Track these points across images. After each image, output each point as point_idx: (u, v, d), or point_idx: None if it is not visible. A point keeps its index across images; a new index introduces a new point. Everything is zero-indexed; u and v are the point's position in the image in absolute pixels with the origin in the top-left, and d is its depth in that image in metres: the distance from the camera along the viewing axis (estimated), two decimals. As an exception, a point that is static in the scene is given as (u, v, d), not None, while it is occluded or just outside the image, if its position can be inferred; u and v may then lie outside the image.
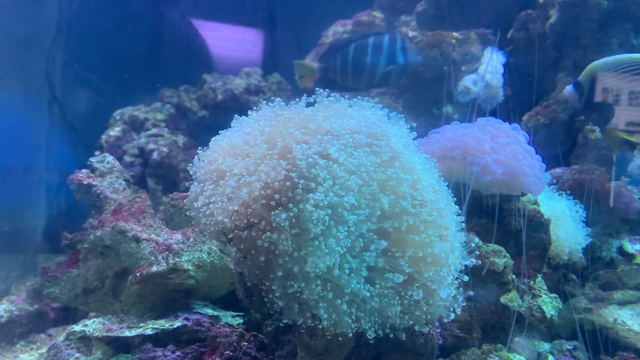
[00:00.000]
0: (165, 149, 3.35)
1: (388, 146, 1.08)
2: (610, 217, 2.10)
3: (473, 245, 1.30)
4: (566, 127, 2.67)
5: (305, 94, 1.21)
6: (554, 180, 2.17)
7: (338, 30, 3.85)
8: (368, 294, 0.98)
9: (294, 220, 0.99)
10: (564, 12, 2.55)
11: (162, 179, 3.35)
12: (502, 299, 1.35)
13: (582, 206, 1.92)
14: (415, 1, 3.53)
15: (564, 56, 2.69)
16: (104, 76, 4.04)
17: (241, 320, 1.71)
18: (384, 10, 3.96)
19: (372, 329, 1.03)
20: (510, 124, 1.50)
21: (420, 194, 1.05)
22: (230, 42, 4.97)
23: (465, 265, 1.20)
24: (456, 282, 1.11)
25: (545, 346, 1.71)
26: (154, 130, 3.53)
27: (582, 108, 1.59)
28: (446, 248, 1.05)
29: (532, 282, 1.44)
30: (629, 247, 2.03)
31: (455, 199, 1.22)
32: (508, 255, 1.36)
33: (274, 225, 1.00)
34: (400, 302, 1.02)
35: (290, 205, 1.00)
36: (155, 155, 3.33)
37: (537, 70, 2.95)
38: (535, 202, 1.49)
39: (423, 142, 1.47)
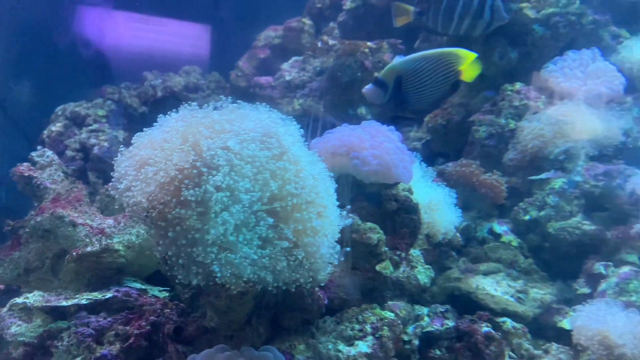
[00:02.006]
0: (106, 144, 3.46)
1: (278, 142, 1.31)
2: (484, 203, 2.42)
3: (353, 222, 1.56)
4: (459, 127, 2.98)
5: (226, 97, 1.42)
6: (442, 173, 2.48)
7: (270, 34, 4.06)
8: (256, 257, 1.22)
9: (199, 199, 1.21)
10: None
11: (102, 172, 3.45)
12: (377, 267, 1.61)
13: (455, 193, 2.22)
14: (340, 10, 3.77)
15: (460, 66, 3.00)
16: (45, 73, 4.08)
17: (167, 294, 1.91)
18: (312, 17, 4.19)
19: (266, 279, 1.26)
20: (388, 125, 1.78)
21: (302, 181, 1.30)
22: (172, 40, 5.06)
23: (350, 240, 1.46)
24: (333, 248, 1.36)
25: (424, 310, 2.00)
26: (95, 126, 3.62)
27: (386, 103, 1.89)
28: (322, 222, 1.30)
29: (403, 254, 1.71)
30: (497, 228, 2.36)
31: (338, 186, 1.48)
32: (381, 231, 1.62)
33: (182, 202, 1.21)
34: (286, 260, 1.26)
35: (196, 188, 1.22)
36: (96, 150, 3.43)
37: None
38: (409, 190, 1.76)
39: (319, 140, 1.71)
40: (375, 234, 1.60)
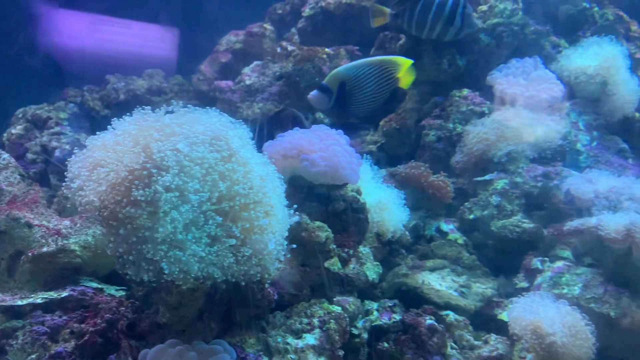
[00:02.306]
0: (67, 147, 3.42)
1: (227, 145, 1.36)
2: (432, 203, 2.52)
3: (301, 220, 1.63)
4: (412, 131, 3.08)
5: (181, 103, 1.46)
6: (393, 175, 2.56)
7: (231, 39, 4.09)
8: (204, 254, 1.26)
9: (149, 199, 1.25)
10: (409, 36, 2.96)
11: (64, 175, 3.40)
12: (326, 264, 1.68)
13: (405, 194, 2.30)
14: (300, 16, 3.83)
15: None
16: (4, 75, 4.02)
17: (124, 293, 1.93)
18: (273, 23, 4.24)
19: (214, 275, 1.30)
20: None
21: (250, 181, 1.35)
22: (136, 43, 5.03)
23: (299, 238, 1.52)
24: (281, 245, 1.41)
25: (374, 305, 2.08)
26: (57, 129, 3.57)
27: (331, 108, 2.00)
28: (269, 221, 1.35)
29: (351, 251, 1.78)
30: (444, 227, 2.46)
31: (289, 186, 1.54)
32: (329, 230, 1.69)
33: (133, 201, 1.25)
34: (234, 257, 1.31)
35: (146, 188, 1.26)
36: (57, 153, 3.39)
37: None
38: (357, 191, 1.83)
39: (272, 144, 1.77)
40: (324, 232, 1.67)
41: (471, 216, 2.47)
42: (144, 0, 4.94)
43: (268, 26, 4.17)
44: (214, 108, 1.47)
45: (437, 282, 2.13)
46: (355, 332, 1.96)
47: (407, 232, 2.36)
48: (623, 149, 2.85)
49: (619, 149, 2.85)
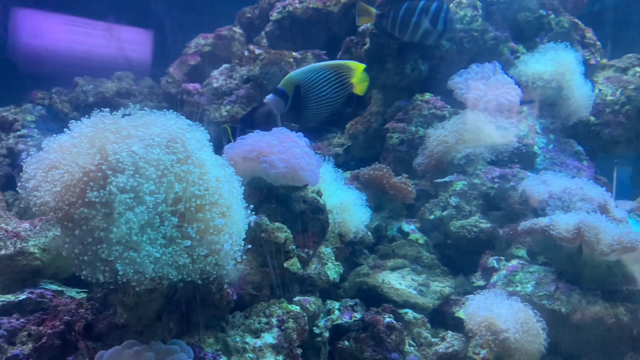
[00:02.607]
0: (34, 150, 3.35)
1: (183, 147, 1.36)
2: (395, 204, 2.55)
3: (260, 221, 1.63)
4: (377, 134, 3.12)
5: (122, 109, 1.45)
6: (357, 176, 2.59)
7: (200, 42, 4.07)
8: (159, 255, 1.26)
9: (103, 200, 1.24)
10: (373, 41, 2.99)
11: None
12: (285, 264, 1.69)
13: (367, 195, 2.33)
14: (269, 20, 3.83)
15: (376, 77, 3.14)
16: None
17: (84, 295, 1.90)
18: (243, 26, 4.24)
19: (169, 276, 1.30)
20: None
21: (206, 183, 1.35)
22: (106, 45, 4.96)
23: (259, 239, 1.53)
24: (238, 245, 1.42)
25: (336, 304, 2.10)
26: (24, 131, 3.50)
27: (287, 112, 2.01)
28: (225, 221, 1.36)
29: (311, 251, 1.79)
30: (406, 227, 2.50)
31: (250, 188, 1.55)
32: (289, 231, 1.70)
33: (87, 202, 1.24)
34: (190, 257, 1.31)
35: (101, 190, 1.25)
36: (24, 156, 3.31)
37: (359, 86, 3.39)
38: (317, 192, 1.85)
39: (232, 146, 1.77)
40: (283, 233, 1.68)
41: (431, 216, 2.51)
42: (116, 2, 4.88)
43: (237, 29, 4.16)
44: (171, 110, 1.47)
45: (397, 281, 2.16)
46: (317, 331, 1.99)
47: (369, 233, 2.39)
48: (578, 151, 2.94)
49: (574, 151, 2.93)
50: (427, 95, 2.93)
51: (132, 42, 5.09)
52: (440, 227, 2.50)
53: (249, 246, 1.48)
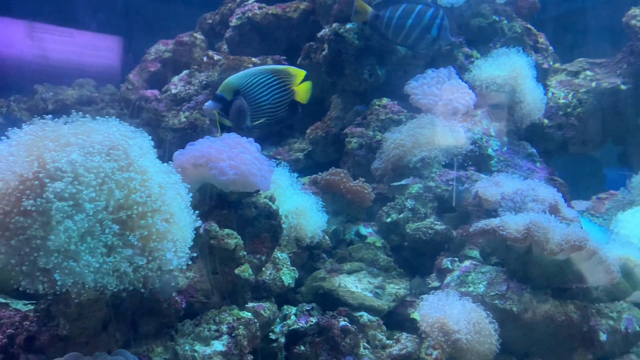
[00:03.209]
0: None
1: (125, 154, 1.33)
2: (352, 208, 2.56)
3: (210, 228, 1.61)
4: (337, 139, 3.12)
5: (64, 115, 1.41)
6: (314, 181, 2.58)
7: (160, 48, 4.02)
8: (98, 265, 1.22)
9: (40, 208, 1.20)
10: (331, 46, 3.00)
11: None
12: (236, 271, 1.66)
13: (326, 200, 2.33)
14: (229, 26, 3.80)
15: (335, 82, 3.15)
16: None
17: (32, 307, 1.84)
18: (204, 32, 4.20)
19: (111, 285, 1.27)
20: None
21: (148, 189, 1.33)
22: (68, 52, 4.85)
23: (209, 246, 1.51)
24: (183, 252, 1.39)
25: (293, 309, 2.08)
26: (-20, 138, 3.39)
27: (227, 118, 1.94)
28: (168, 228, 1.33)
29: (263, 257, 1.77)
30: (363, 230, 2.50)
31: (200, 194, 1.52)
32: (239, 237, 1.68)
33: (24, 211, 1.20)
34: (132, 266, 1.28)
35: (38, 198, 1.21)
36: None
37: (320, 92, 3.39)
38: (270, 197, 1.84)
39: (182, 152, 1.74)
40: (233, 239, 1.66)
41: (388, 220, 2.52)
42: (77, 9, 4.78)
43: (199, 35, 4.13)
44: (113, 117, 1.43)
45: (354, 285, 2.16)
46: (273, 336, 1.97)
47: (326, 237, 2.38)
48: (532, 153, 3.00)
49: (527, 153, 2.99)
50: (385, 100, 2.96)
51: (95, 48, 5.00)
52: (397, 229, 2.51)
53: (194, 254, 1.46)
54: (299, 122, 3.38)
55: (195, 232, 1.50)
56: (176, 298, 1.54)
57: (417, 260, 2.48)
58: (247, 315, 1.64)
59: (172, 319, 1.55)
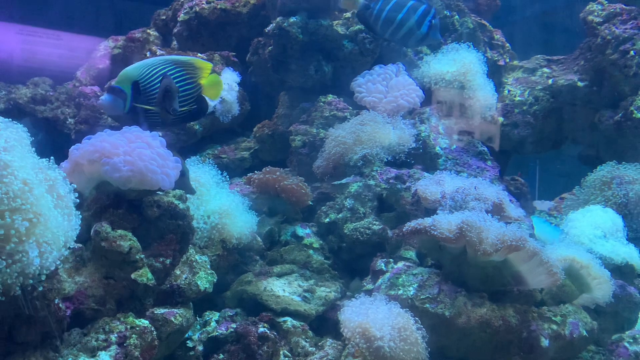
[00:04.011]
0: None
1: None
2: (289, 208, 2.42)
3: (100, 229, 1.47)
4: (284, 137, 2.99)
5: None
6: (249, 180, 2.45)
7: (109, 45, 3.84)
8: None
9: None
10: (276, 42, 2.87)
11: None
12: (133, 275, 1.52)
13: (259, 200, 2.19)
14: (178, 22, 3.64)
15: (282, 79, 3.02)
16: None
17: None
18: (158, 29, 4.04)
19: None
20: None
21: (6, 186, 1.18)
22: (24, 50, 4.68)
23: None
24: (53, 255, 1.24)
25: (216, 315, 1.94)
26: None
27: (127, 113, 1.73)
28: (29, 227, 1.19)
29: (168, 260, 1.63)
30: (300, 231, 2.37)
31: (97, 193, 1.38)
32: (134, 238, 1.54)
33: None
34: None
35: None
36: None
37: (270, 88, 3.27)
38: (179, 197, 1.69)
39: (78, 147, 1.59)
40: (126, 241, 1.51)
41: (326, 220, 2.39)
42: (31, 5, 4.60)
43: (152, 32, 3.96)
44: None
45: (282, 288, 2.02)
46: (190, 344, 1.83)
47: (258, 238, 2.24)
48: (482, 151, 2.88)
49: (478, 151, 2.87)
50: (330, 97, 2.83)
51: (50, 46, 4.83)
52: (336, 230, 2.38)
53: (66, 252, 1.31)
54: (250, 120, 3.25)
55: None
56: (60, 305, 1.39)
57: (356, 261, 2.35)
58: (144, 323, 1.50)
59: (55, 328, 1.40)
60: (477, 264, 1.96)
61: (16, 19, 4.42)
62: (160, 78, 1.74)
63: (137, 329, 1.47)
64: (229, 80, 3.03)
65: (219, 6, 3.32)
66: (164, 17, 3.99)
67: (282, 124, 3.02)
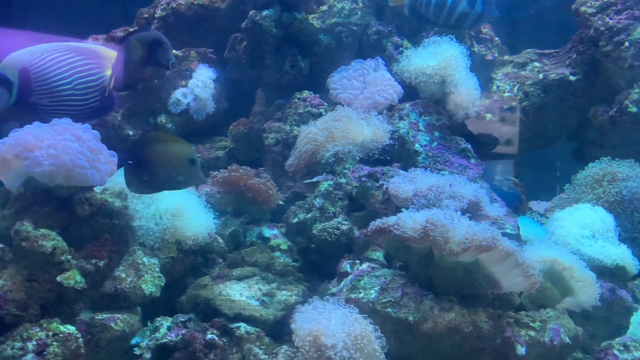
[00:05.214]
0: None
1: None
2: (256, 208, 2.30)
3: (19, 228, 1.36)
4: (260, 135, 2.87)
5: None
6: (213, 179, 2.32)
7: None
8: None
9: None
10: (250, 36, 2.76)
11: None
12: (59, 278, 1.41)
13: (212, 199, 2.07)
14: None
15: (258, 75, 2.90)
16: None
17: None
18: (141, 27, 3.95)
19: None
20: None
21: None
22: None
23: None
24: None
25: (169, 320, 1.82)
26: None
27: (13, 104, 1.53)
28: None
29: (102, 262, 1.52)
30: (267, 232, 2.24)
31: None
32: (59, 238, 1.42)
33: None
34: None
35: None
36: None
37: (248, 86, 3.15)
38: (116, 194, 1.58)
39: (2, 141, 1.48)
40: (50, 241, 1.40)
41: (295, 220, 2.26)
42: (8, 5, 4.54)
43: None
44: None
45: (239, 292, 1.90)
46: (138, 352, 1.72)
47: (219, 239, 2.12)
48: (465, 149, 2.73)
49: (460, 149, 2.72)
50: (306, 93, 2.71)
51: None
52: (305, 231, 2.25)
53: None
54: (229, 118, 3.13)
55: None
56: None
57: (325, 263, 2.21)
58: (69, 329, 1.38)
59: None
60: (445, 266, 1.82)
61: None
62: (57, 67, 1.55)
63: (60, 335, 1.35)
64: (204, 77, 2.93)
65: (196, 2, 3.22)
66: (146, 16, 3.89)
67: (259, 121, 2.90)
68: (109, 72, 1.59)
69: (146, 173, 1.59)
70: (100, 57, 1.60)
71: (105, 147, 1.52)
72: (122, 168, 1.60)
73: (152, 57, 1.64)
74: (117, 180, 1.66)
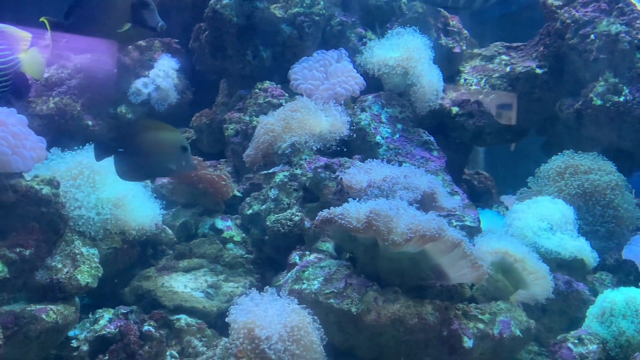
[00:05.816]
0: None
1: None
2: (209, 199, 2.25)
3: None
4: (222, 127, 2.82)
5: None
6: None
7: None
8: None
9: None
10: (211, 26, 2.71)
11: None
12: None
13: (157, 188, 2.02)
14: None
15: (221, 65, 2.85)
16: None
17: None
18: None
19: None
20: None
21: None
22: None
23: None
24: None
25: (110, 312, 1.78)
26: None
27: None
28: None
29: (28, 251, 1.47)
30: (220, 224, 2.20)
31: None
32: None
33: None
34: None
35: None
36: None
37: (213, 76, 3.10)
38: (47, 181, 1.53)
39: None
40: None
41: (249, 211, 2.23)
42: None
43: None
44: None
45: (184, 284, 1.86)
46: (75, 344, 1.67)
47: (168, 230, 2.08)
48: (427, 141, 2.70)
49: (423, 141, 2.69)
50: (267, 84, 2.66)
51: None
52: (259, 222, 2.21)
53: None
54: (194, 109, 3.08)
55: None
56: None
57: (278, 255, 2.18)
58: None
59: None
60: (390, 256, 1.78)
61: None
62: None
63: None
64: (166, 67, 2.88)
65: (162, -8, 3.16)
66: (116, 6, 3.84)
67: (221, 112, 2.86)
68: (22, 55, 1.52)
69: (137, 161, 1.56)
70: (12, 38, 1.52)
71: (32, 133, 1.47)
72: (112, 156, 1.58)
73: (137, 18, 1.57)
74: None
